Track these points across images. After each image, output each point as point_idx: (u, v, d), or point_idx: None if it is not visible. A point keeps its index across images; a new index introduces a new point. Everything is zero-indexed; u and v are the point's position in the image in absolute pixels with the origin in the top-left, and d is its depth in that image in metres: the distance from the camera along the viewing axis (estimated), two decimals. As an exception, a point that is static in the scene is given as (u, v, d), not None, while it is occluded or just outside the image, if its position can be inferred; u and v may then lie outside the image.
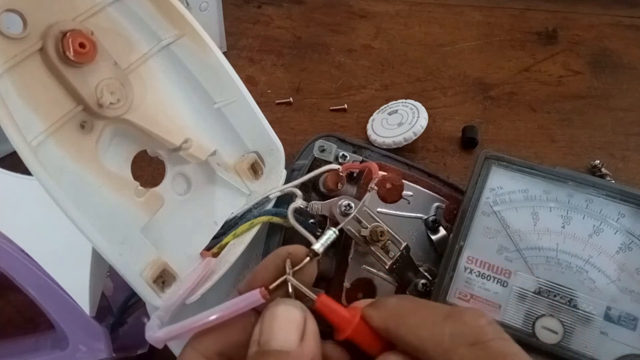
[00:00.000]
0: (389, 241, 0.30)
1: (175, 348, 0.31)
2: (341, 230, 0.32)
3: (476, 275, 0.30)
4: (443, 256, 0.32)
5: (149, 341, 0.23)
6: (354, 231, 0.30)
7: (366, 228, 0.30)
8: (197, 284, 0.28)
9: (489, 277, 0.30)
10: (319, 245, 0.23)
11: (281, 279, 0.22)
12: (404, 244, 0.31)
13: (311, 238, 0.29)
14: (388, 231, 0.30)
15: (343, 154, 0.36)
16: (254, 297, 0.21)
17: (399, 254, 0.31)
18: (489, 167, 0.32)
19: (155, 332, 0.23)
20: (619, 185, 0.31)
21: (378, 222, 0.30)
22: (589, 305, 0.29)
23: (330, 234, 0.24)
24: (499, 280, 0.30)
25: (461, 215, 0.31)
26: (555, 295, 0.30)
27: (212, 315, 0.21)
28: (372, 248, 0.30)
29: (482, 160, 0.32)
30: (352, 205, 0.30)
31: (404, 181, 0.34)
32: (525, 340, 0.28)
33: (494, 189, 0.32)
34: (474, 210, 0.31)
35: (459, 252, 0.31)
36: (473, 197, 0.32)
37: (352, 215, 0.30)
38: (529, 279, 0.30)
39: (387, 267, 0.30)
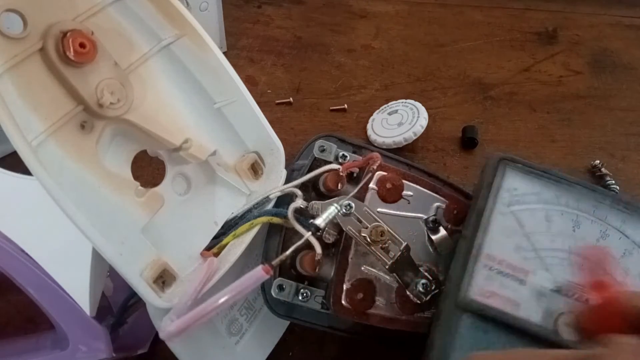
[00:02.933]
0: (389, 241, 0.30)
1: (176, 348, 0.31)
2: (341, 231, 0.32)
3: (496, 273, 0.30)
4: (456, 253, 0.32)
5: (164, 339, 0.23)
6: (354, 231, 0.30)
7: (366, 228, 0.30)
8: (204, 284, 0.28)
9: (507, 275, 0.30)
10: (320, 221, 0.23)
11: (283, 256, 0.21)
12: (404, 244, 0.31)
13: (312, 238, 0.29)
14: (388, 231, 0.30)
15: (343, 154, 0.36)
16: (259, 274, 0.21)
17: (399, 254, 0.31)
18: (505, 168, 0.32)
19: (168, 327, 0.23)
20: (620, 196, 0.32)
21: (378, 221, 0.30)
22: None
23: (332, 210, 0.24)
24: (518, 279, 0.30)
25: (477, 214, 0.32)
26: (572, 295, 0.30)
27: (221, 298, 0.21)
28: (373, 248, 0.30)
29: (495, 161, 0.33)
30: (353, 204, 0.30)
31: (403, 181, 0.35)
32: (549, 337, 0.28)
33: (509, 190, 0.32)
34: (491, 209, 0.31)
35: (479, 249, 0.30)
36: (490, 196, 0.32)
37: (345, 202, 0.29)
38: (546, 278, 0.30)
39: (387, 267, 0.30)
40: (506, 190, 0.32)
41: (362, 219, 0.30)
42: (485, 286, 0.29)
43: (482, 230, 0.31)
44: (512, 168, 0.32)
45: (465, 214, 0.35)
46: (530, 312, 0.29)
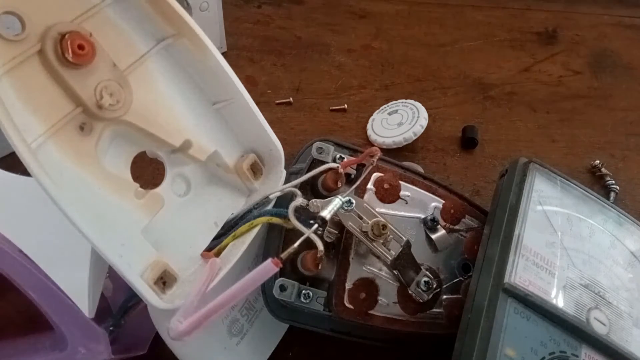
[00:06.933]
0: (391, 237, 0.30)
1: (178, 349, 0.31)
2: (342, 230, 0.32)
3: (531, 264, 0.31)
4: (488, 241, 0.33)
5: (175, 338, 0.23)
6: (355, 227, 0.30)
7: (367, 224, 0.30)
8: (208, 285, 0.28)
9: (541, 267, 0.31)
10: (326, 212, 0.23)
11: (291, 248, 0.21)
12: (404, 239, 0.31)
13: (313, 236, 0.29)
14: (389, 225, 0.30)
15: (340, 156, 0.36)
16: (269, 267, 0.21)
17: (400, 249, 0.31)
18: (534, 171, 0.34)
19: (178, 327, 0.23)
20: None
21: (378, 217, 0.30)
22: (619, 304, 0.31)
23: (337, 202, 0.24)
24: (550, 272, 0.31)
25: (510, 208, 0.33)
26: (599, 291, 0.31)
27: (232, 294, 0.21)
28: (374, 244, 0.30)
29: (524, 163, 0.35)
30: (353, 201, 0.30)
31: (400, 182, 0.35)
32: (584, 328, 0.29)
33: (537, 191, 0.34)
34: (526, 205, 0.33)
35: (518, 240, 0.31)
36: (523, 194, 0.33)
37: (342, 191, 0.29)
38: (575, 274, 0.32)
39: (389, 262, 0.30)
40: (535, 190, 0.34)
41: (362, 215, 0.30)
42: (524, 275, 0.30)
43: (520, 223, 0.32)
44: (540, 172, 0.35)
45: (461, 213, 0.36)
46: (564, 303, 0.30)
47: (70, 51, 0.24)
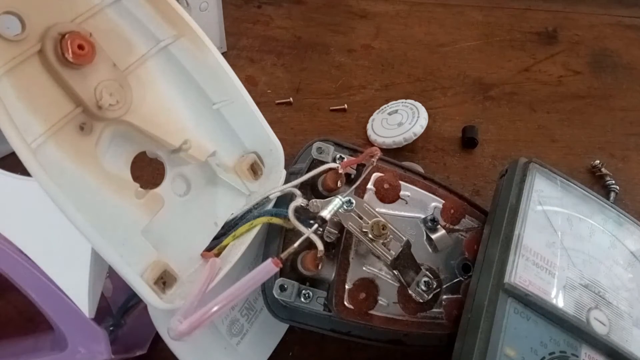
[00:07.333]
0: (390, 237, 0.30)
1: (178, 349, 0.31)
2: (342, 230, 0.32)
3: (532, 264, 0.31)
4: (488, 242, 0.33)
5: (175, 338, 0.23)
6: (355, 227, 0.30)
7: (367, 224, 0.30)
8: (208, 285, 0.28)
9: (541, 267, 0.31)
10: (326, 212, 0.23)
11: (291, 248, 0.21)
12: (405, 239, 0.31)
13: (313, 236, 0.29)
14: (389, 225, 0.30)
15: (340, 156, 0.36)
16: (269, 267, 0.21)
17: (400, 249, 0.31)
18: (534, 171, 0.35)
19: (178, 327, 0.23)
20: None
21: (378, 217, 0.30)
22: (619, 304, 0.31)
23: (337, 202, 0.24)
24: (550, 272, 0.31)
25: (511, 208, 0.33)
26: (599, 291, 0.31)
27: (232, 294, 0.21)
28: (374, 244, 0.30)
29: (524, 163, 0.35)
30: (353, 201, 0.30)
31: (400, 182, 0.35)
32: (584, 328, 0.29)
33: (537, 191, 0.34)
34: (526, 205, 0.33)
35: (518, 240, 0.32)
36: (523, 194, 0.33)
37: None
38: (575, 273, 0.32)
39: (389, 262, 0.30)
40: (535, 190, 0.34)
41: (362, 215, 0.30)
42: (524, 275, 0.30)
43: (520, 223, 0.32)
44: (540, 172, 0.35)
45: (461, 213, 0.36)
46: (564, 303, 0.30)
47: (70, 51, 0.24)
